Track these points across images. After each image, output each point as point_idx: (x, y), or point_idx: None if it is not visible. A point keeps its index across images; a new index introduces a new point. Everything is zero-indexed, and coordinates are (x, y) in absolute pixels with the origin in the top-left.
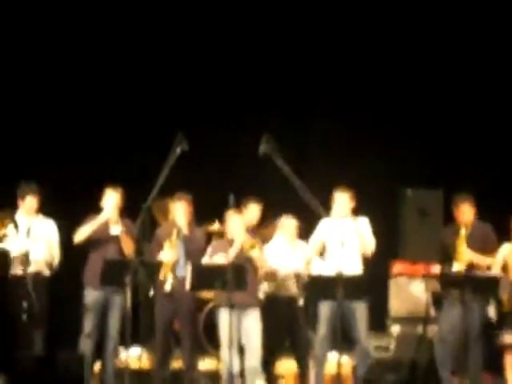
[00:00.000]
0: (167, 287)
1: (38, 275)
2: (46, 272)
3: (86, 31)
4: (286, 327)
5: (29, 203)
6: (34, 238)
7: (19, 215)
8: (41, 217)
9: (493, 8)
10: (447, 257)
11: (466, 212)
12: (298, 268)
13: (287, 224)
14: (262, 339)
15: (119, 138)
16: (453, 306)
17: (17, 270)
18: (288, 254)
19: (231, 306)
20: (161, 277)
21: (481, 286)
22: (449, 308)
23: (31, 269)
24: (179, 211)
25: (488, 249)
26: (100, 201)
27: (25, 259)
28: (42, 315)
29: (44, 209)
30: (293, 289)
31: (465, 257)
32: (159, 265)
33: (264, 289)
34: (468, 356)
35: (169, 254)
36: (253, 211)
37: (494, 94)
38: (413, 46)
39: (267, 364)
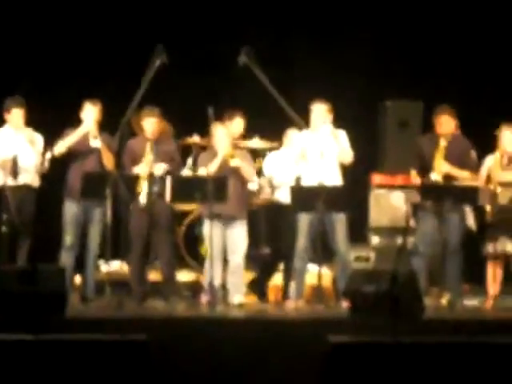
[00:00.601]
0: (142, 201)
1: (26, 187)
2: (35, 183)
3: None
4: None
5: (15, 115)
6: (23, 147)
7: (6, 128)
8: (28, 129)
9: None
10: (424, 166)
11: (444, 123)
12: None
13: (292, 136)
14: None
15: (98, 51)
16: (429, 217)
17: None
18: (292, 166)
19: (213, 218)
20: (137, 190)
21: (461, 195)
22: (424, 220)
23: (21, 178)
24: (148, 126)
25: (465, 165)
26: (79, 115)
27: (12, 165)
28: (26, 228)
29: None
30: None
31: (442, 168)
32: (137, 178)
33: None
34: (446, 267)
35: (143, 168)
36: (237, 124)
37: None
38: None
39: (260, 274)
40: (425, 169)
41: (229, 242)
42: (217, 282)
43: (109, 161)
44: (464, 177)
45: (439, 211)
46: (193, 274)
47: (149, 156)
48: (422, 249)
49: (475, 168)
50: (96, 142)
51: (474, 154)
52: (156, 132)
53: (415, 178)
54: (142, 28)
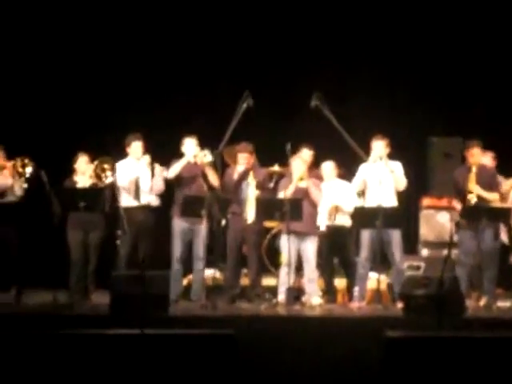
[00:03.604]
0: (249, 219)
1: (147, 206)
2: (154, 202)
3: None
4: (339, 252)
5: (134, 147)
6: (143, 173)
7: (128, 159)
8: (148, 156)
9: None
10: (460, 191)
11: (475, 154)
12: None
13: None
14: (324, 260)
15: (198, 95)
16: (468, 233)
17: (126, 201)
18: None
19: (289, 233)
20: (239, 210)
21: (496, 214)
22: (464, 235)
23: (142, 199)
24: (242, 159)
25: (492, 187)
26: (180, 148)
27: (134, 187)
28: (145, 242)
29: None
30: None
31: (475, 191)
32: (230, 200)
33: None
34: (483, 274)
35: (252, 192)
36: (305, 155)
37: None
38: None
39: (328, 280)
40: (463, 194)
41: (303, 254)
42: (287, 285)
43: (214, 178)
44: (493, 198)
45: (476, 228)
46: (273, 279)
47: (253, 181)
48: (464, 259)
49: (500, 190)
50: (208, 157)
51: (498, 178)
52: (249, 163)
53: (457, 204)
54: (232, 76)
